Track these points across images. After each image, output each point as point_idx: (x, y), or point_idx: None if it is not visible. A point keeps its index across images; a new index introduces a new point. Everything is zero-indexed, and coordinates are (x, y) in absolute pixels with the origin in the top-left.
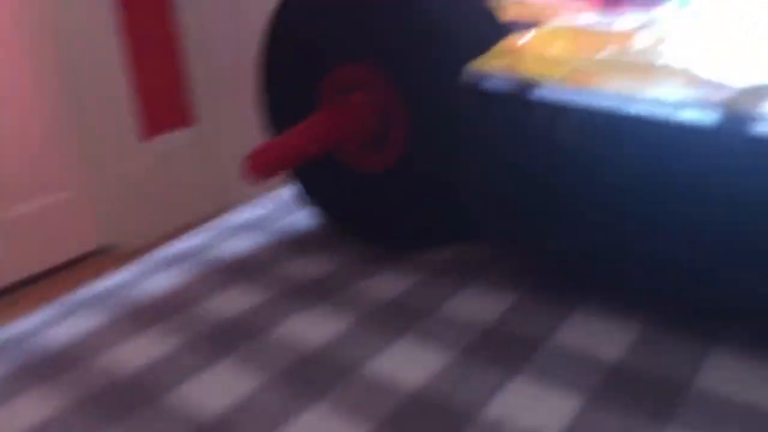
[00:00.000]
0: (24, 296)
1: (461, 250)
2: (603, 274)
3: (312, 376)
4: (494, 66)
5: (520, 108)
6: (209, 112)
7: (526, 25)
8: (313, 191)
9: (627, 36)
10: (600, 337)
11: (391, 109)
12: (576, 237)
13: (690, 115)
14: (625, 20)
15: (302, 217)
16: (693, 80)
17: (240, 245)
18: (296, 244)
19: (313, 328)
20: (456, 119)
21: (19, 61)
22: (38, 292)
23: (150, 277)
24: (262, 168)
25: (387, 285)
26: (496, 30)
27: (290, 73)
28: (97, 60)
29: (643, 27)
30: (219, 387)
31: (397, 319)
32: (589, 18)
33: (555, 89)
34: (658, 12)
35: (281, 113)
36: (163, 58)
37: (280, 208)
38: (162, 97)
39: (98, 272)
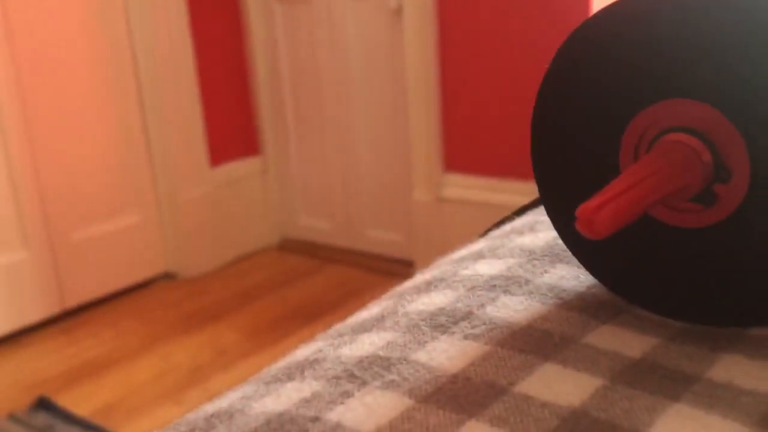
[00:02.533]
0: (91, 318)
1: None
2: None
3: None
4: None
5: None
6: (276, 142)
7: None
8: (590, 252)
9: None
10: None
11: (730, 154)
12: None
13: None
14: None
15: (561, 277)
16: None
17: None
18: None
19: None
20: None
21: (100, 89)
22: (105, 315)
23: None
24: (605, 226)
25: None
26: None
27: (585, 113)
28: (173, 89)
29: None
30: None
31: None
32: None
33: None
34: None
35: (565, 161)
36: (233, 88)
37: (529, 263)
38: (231, 125)
39: (162, 298)
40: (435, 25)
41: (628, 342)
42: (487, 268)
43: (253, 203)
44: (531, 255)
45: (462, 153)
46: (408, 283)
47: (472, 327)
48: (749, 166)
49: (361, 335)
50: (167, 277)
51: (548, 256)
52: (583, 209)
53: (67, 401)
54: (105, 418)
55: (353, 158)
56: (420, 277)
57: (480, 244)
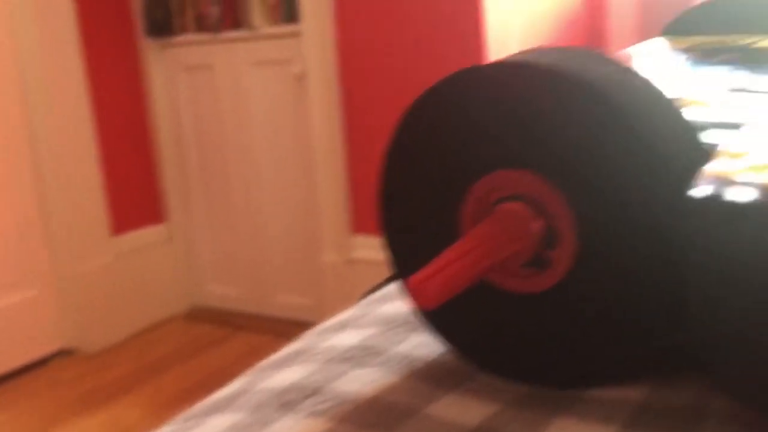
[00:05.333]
0: None
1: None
2: None
3: None
4: (733, 173)
5: None
6: (181, 209)
7: (721, 125)
8: (434, 316)
9: None
10: None
11: (559, 222)
12: None
13: None
14: None
15: (420, 345)
16: None
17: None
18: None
19: None
20: (674, 238)
21: None
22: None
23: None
24: (434, 297)
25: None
26: (692, 130)
27: (424, 184)
28: (70, 156)
29: None
30: None
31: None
32: None
33: None
34: None
35: (410, 229)
36: (136, 156)
37: (388, 332)
38: (134, 192)
39: (60, 377)
40: (338, 90)
41: (469, 410)
42: (347, 338)
43: (158, 272)
44: (391, 324)
45: (370, 214)
46: (273, 357)
47: (319, 403)
48: (576, 233)
49: (210, 418)
50: (65, 353)
51: (408, 323)
52: (412, 281)
53: None
54: None
55: (261, 223)
56: (284, 350)
57: (348, 313)
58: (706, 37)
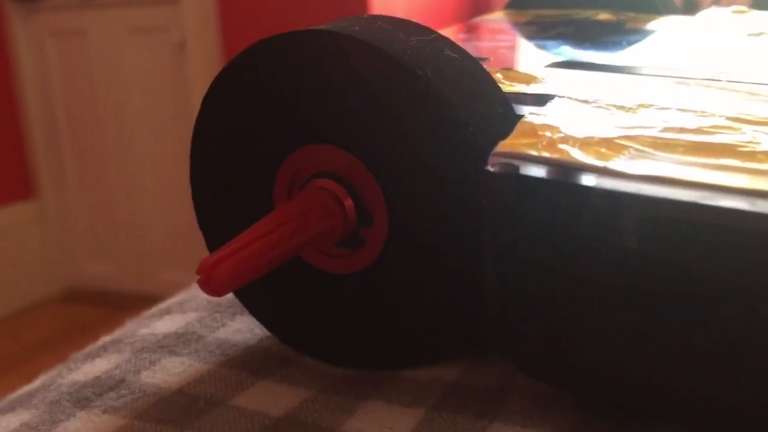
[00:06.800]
0: None
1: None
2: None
3: None
4: (531, 147)
5: (569, 198)
6: (53, 184)
7: (534, 98)
8: (253, 298)
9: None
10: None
11: (370, 199)
12: (634, 373)
13: None
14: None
15: (237, 331)
16: None
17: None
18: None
19: None
20: (473, 211)
21: None
22: None
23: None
24: (224, 283)
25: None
26: (505, 104)
27: (239, 162)
28: None
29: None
30: None
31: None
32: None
33: (617, 174)
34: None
35: (224, 212)
36: (2, 125)
37: (209, 316)
38: (0, 166)
39: None
40: (221, 60)
41: (278, 398)
42: (167, 325)
43: (29, 251)
44: (216, 307)
45: None
46: (88, 347)
47: (118, 398)
48: (387, 211)
49: (2, 417)
50: None
51: (233, 307)
52: (202, 265)
53: None
54: None
55: (140, 197)
56: (101, 339)
57: (177, 297)
58: (546, 11)
